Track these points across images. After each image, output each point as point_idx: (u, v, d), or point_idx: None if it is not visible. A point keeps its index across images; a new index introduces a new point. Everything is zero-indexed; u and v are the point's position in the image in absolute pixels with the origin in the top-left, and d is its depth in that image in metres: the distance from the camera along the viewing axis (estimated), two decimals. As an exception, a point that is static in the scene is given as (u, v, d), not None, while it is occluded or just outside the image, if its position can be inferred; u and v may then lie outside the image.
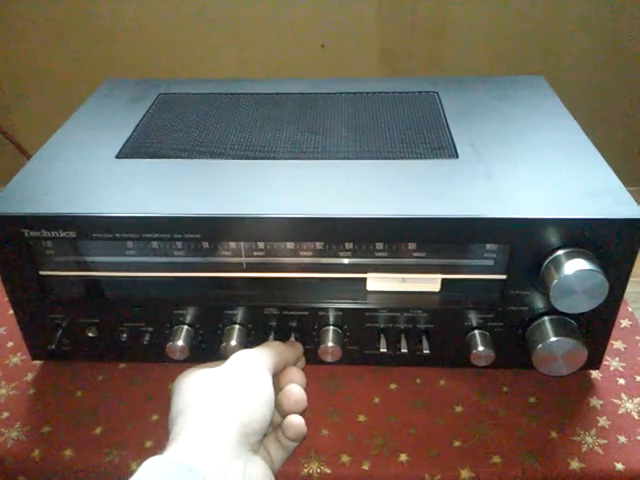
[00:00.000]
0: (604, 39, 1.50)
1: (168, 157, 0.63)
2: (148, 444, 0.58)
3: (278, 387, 0.54)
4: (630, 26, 1.48)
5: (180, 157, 0.63)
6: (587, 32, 1.49)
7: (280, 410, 0.53)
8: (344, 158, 0.62)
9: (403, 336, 0.60)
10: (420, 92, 0.77)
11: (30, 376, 0.65)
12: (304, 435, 0.52)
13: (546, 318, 0.57)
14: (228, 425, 0.46)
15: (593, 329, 0.58)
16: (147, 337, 0.62)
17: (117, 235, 0.55)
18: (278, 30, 1.52)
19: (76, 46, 1.57)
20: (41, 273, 0.59)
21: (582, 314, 0.55)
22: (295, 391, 0.52)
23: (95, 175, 0.60)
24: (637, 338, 0.67)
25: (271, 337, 0.61)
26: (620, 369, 0.64)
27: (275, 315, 0.60)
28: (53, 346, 0.61)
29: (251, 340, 0.61)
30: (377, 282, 0.59)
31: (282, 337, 0.61)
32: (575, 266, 0.51)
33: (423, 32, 1.50)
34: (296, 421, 0.51)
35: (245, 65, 1.57)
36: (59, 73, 1.61)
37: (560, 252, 0.53)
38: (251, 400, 0.48)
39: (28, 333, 0.63)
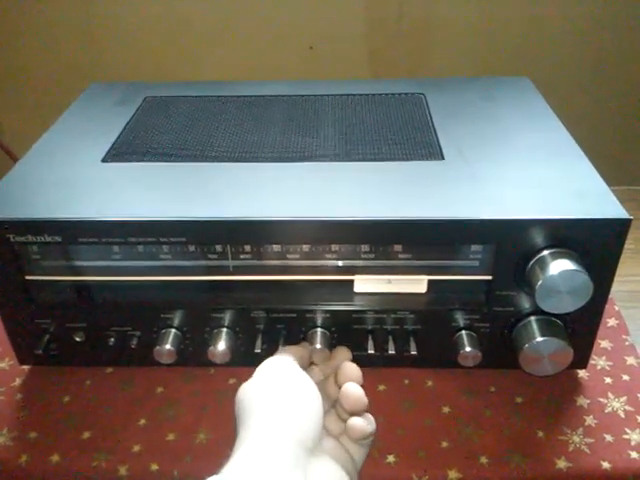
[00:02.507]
0: (588, 40, 1.51)
1: (154, 161, 0.63)
2: (136, 448, 0.57)
3: (338, 386, 0.52)
4: (615, 27, 1.49)
5: (166, 160, 0.63)
6: (572, 33, 1.50)
7: (342, 410, 0.51)
8: (331, 160, 0.62)
9: (391, 337, 0.60)
10: (406, 94, 0.77)
11: (18, 381, 0.65)
12: (371, 434, 0.50)
13: (532, 318, 0.57)
14: (284, 438, 0.45)
15: (579, 329, 0.58)
16: (134, 341, 0.61)
17: (103, 239, 0.55)
18: (266, 32, 1.52)
19: (63, 50, 1.56)
20: (27, 278, 0.58)
21: (568, 314, 0.55)
22: (351, 389, 0.51)
23: (81, 179, 0.60)
24: (623, 337, 0.68)
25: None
26: (607, 368, 0.64)
27: (263, 318, 0.60)
28: (40, 351, 0.61)
29: (239, 343, 0.61)
30: (364, 284, 0.59)
31: (272, 339, 0.61)
32: (560, 266, 0.51)
33: (411, 33, 1.51)
34: (357, 424, 0.50)
35: (232, 68, 1.57)
36: (46, 77, 1.60)
37: (545, 252, 0.53)
38: (303, 412, 0.48)
39: (15, 338, 0.63)
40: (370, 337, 0.60)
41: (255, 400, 0.48)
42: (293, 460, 0.44)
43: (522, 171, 0.59)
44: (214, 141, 0.67)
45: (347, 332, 0.61)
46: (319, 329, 0.60)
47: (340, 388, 0.52)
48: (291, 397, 0.48)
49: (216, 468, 0.43)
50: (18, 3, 1.51)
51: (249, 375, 0.51)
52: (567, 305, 0.53)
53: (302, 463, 0.45)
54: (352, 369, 0.53)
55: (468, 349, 0.58)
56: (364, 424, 0.50)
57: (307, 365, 0.57)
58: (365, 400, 0.51)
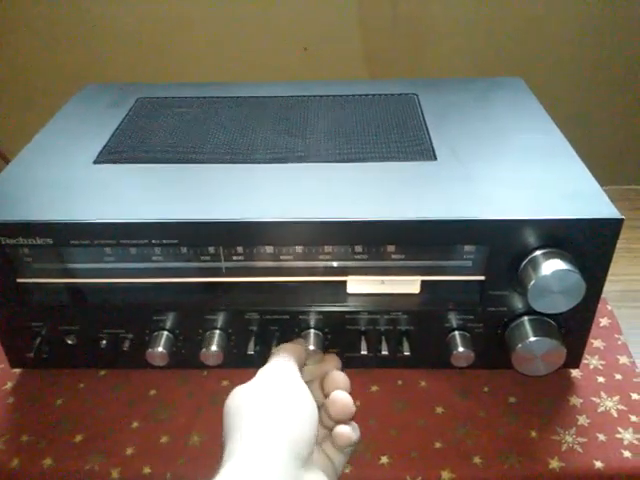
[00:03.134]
0: (583, 41, 1.51)
1: (146, 162, 0.63)
2: (129, 451, 0.57)
3: (324, 393, 0.53)
4: (610, 28, 1.49)
5: (158, 162, 0.63)
6: (566, 34, 1.50)
7: (329, 416, 0.51)
8: (324, 161, 0.62)
9: (384, 338, 0.60)
10: (400, 94, 0.77)
11: (9, 384, 0.64)
12: (355, 442, 0.51)
13: (525, 318, 0.57)
14: (277, 446, 0.45)
15: (572, 328, 0.58)
16: (127, 344, 0.61)
17: (95, 241, 0.55)
18: (259, 34, 1.52)
19: (57, 50, 1.56)
20: (19, 281, 0.58)
21: (561, 314, 0.55)
22: (340, 397, 0.51)
23: (72, 181, 0.60)
24: (616, 336, 0.68)
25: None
26: (599, 367, 0.64)
27: (256, 319, 0.60)
28: (32, 354, 0.61)
29: (232, 345, 0.61)
30: (357, 285, 0.59)
31: (265, 341, 0.61)
32: (552, 266, 0.51)
33: (405, 33, 1.51)
34: (344, 431, 0.50)
35: (226, 69, 1.56)
36: (39, 78, 1.60)
37: (538, 253, 0.53)
38: (296, 417, 0.47)
39: (7, 341, 0.62)
40: (363, 338, 0.60)
41: (250, 405, 0.48)
42: (287, 472, 0.44)
43: (514, 171, 0.59)
44: (207, 142, 0.67)
45: (340, 333, 0.61)
46: (312, 330, 0.60)
47: (326, 396, 0.52)
48: (287, 406, 0.48)
49: (209, 470, 0.43)
50: (11, 3, 1.50)
51: (242, 377, 0.51)
52: (560, 305, 0.53)
53: (294, 474, 0.44)
54: (340, 377, 0.54)
55: (461, 349, 0.58)
56: (351, 432, 0.50)
57: (303, 365, 0.56)
58: (353, 408, 0.51)
